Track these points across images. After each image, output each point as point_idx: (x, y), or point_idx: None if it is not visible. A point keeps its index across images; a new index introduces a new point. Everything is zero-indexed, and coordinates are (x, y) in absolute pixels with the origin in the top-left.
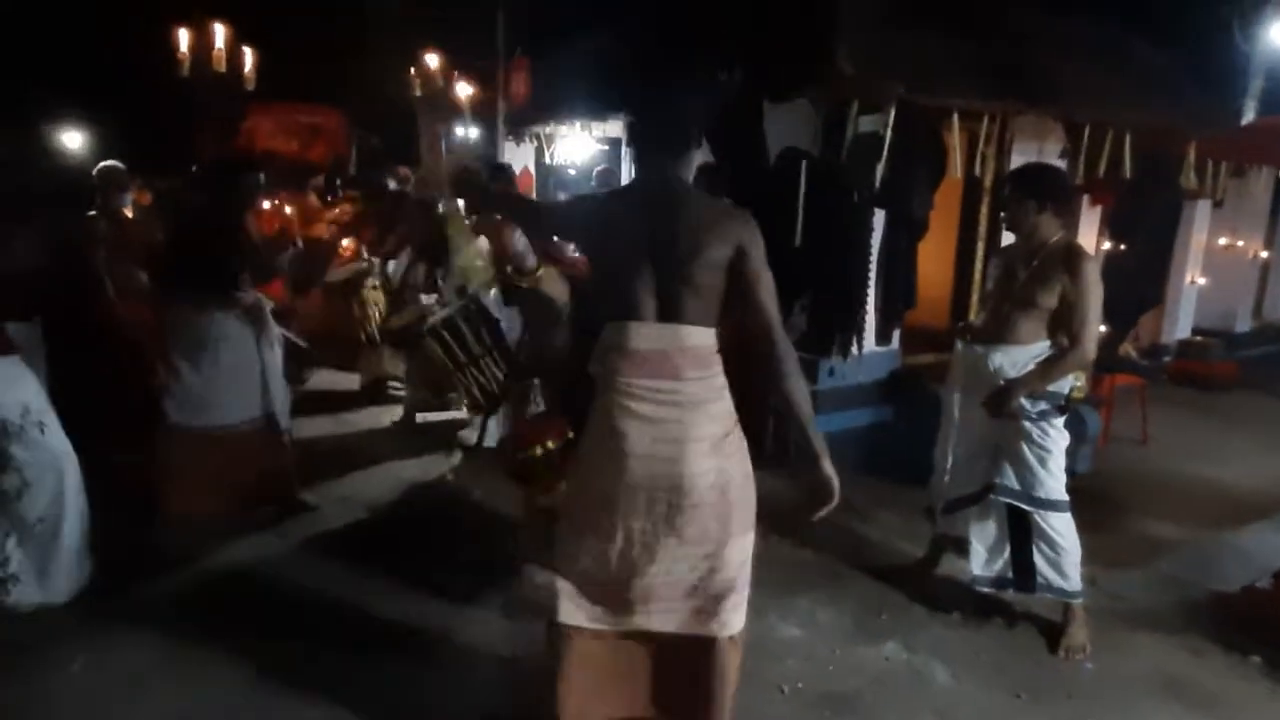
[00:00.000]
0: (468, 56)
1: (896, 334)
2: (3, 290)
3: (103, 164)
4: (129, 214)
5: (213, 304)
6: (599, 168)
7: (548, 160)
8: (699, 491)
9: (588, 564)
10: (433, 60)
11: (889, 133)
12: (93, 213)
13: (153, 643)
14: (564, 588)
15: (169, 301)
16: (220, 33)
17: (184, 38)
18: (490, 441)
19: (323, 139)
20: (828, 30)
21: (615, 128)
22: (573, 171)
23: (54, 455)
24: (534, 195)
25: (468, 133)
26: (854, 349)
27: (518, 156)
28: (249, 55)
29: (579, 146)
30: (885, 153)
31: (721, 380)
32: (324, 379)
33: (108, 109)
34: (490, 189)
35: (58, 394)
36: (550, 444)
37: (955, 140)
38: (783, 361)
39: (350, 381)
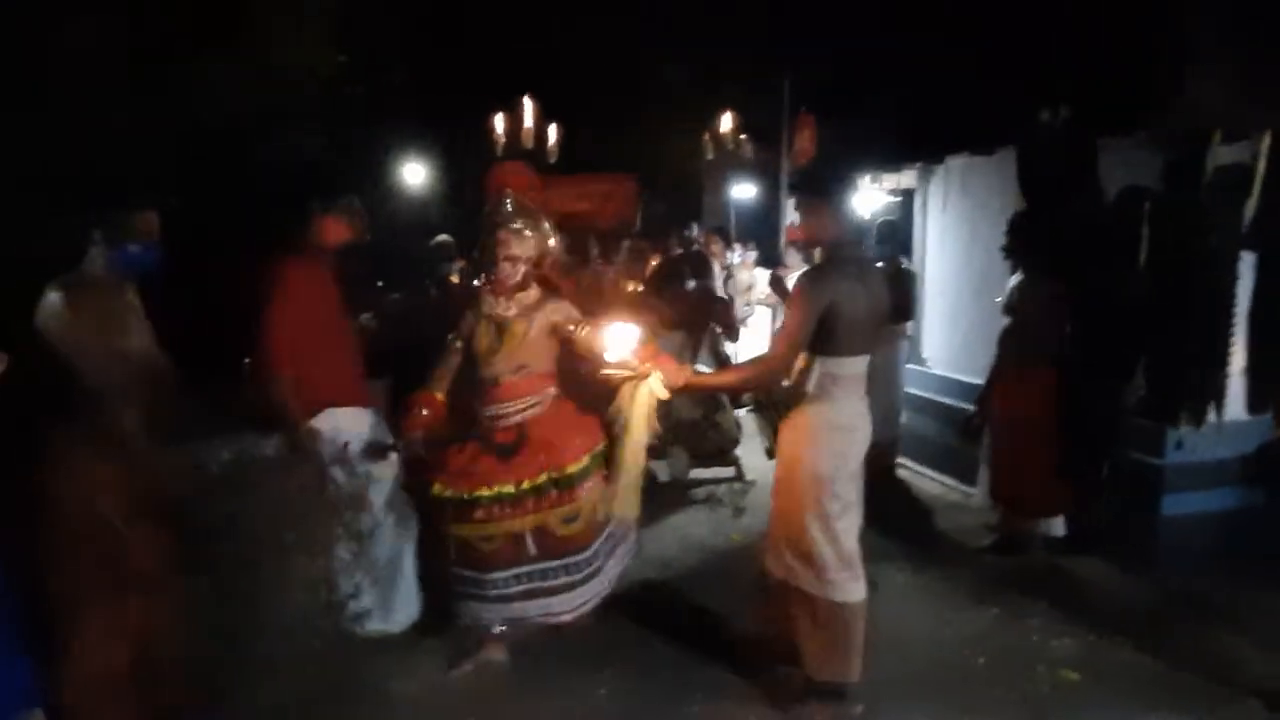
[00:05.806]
0: (752, 118)
1: None
2: (373, 350)
3: (436, 238)
4: (455, 280)
5: None
6: (880, 219)
7: None
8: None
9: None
10: (726, 123)
11: (1261, 163)
12: (426, 281)
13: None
14: (845, 575)
15: None
16: (529, 110)
17: (499, 122)
18: None
19: (613, 203)
20: (1173, 53)
21: (908, 178)
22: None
23: (400, 499)
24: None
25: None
26: (1211, 416)
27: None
28: (553, 131)
29: (867, 199)
30: (1257, 187)
31: None
32: None
33: (437, 185)
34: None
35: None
36: None
37: None
38: None
39: None
